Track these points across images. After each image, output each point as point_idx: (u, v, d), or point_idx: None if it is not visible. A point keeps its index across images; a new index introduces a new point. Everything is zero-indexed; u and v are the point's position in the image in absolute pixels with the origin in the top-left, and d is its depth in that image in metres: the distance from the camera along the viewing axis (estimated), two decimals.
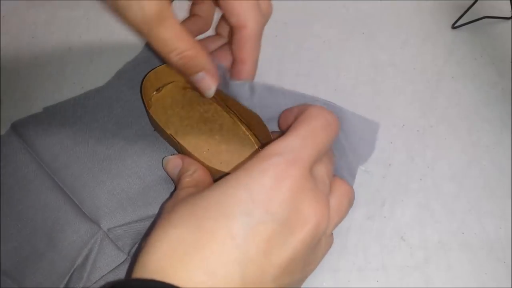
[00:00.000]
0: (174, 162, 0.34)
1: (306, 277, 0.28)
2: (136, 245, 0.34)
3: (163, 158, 0.35)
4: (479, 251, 0.34)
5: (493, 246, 0.35)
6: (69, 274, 0.32)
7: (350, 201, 0.29)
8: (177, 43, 0.28)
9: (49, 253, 0.33)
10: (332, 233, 0.29)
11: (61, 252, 0.33)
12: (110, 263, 0.33)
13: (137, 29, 0.28)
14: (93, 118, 0.38)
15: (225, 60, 0.33)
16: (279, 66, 0.36)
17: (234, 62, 0.32)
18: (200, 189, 0.26)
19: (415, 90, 0.42)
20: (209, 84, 0.31)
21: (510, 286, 0.33)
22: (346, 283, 0.33)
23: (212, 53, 0.35)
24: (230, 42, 0.32)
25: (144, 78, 0.35)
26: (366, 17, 0.46)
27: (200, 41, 0.35)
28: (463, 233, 0.35)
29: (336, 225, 0.28)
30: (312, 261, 0.27)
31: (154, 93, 0.36)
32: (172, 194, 0.34)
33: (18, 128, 0.37)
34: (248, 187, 0.23)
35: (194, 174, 0.31)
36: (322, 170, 0.27)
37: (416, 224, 0.35)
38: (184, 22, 0.36)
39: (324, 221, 0.25)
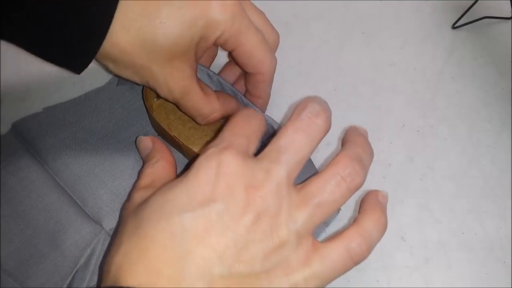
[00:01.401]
0: (145, 143, 0.34)
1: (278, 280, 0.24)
2: None
3: (136, 137, 0.35)
4: (479, 251, 0.35)
5: (493, 246, 0.35)
6: (72, 274, 0.32)
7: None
8: (201, 110, 0.32)
9: (52, 254, 0.33)
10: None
11: (64, 252, 0.33)
12: None
13: (168, 100, 0.32)
14: (93, 118, 0.38)
15: (242, 89, 0.37)
16: (279, 66, 0.36)
17: (248, 95, 0.35)
18: (154, 189, 0.26)
19: (415, 90, 0.42)
20: None
21: (510, 286, 0.33)
22: (346, 283, 0.33)
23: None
24: (244, 76, 0.35)
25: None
26: (366, 17, 0.46)
27: (221, 94, 0.36)
28: (463, 233, 0.35)
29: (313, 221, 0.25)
30: (278, 257, 0.24)
31: (155, 99, 0.37)
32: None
33: (18, 128, 0.37)
34: (186, 185, 0.24)
35: (156, 164, 0.31)
36: (269, 149, 0.26)
37: (416, 224, 0.36)
38: None
39: (263, 207, 0.23)
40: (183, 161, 0.37)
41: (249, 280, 0.23)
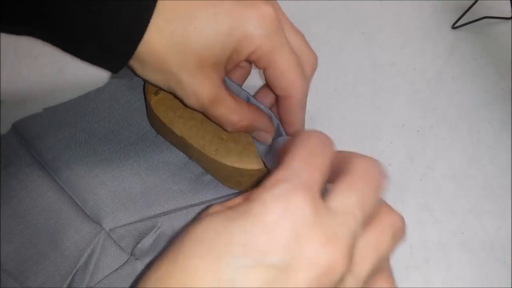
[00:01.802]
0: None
1: None
2: (138, 245, 0.34)
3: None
4: (479, 251, 0.35)
5: (493, 246, 0.35)
6: (72, 274, 0.32)
7: (395, 235, 0.24)
8: (230, 117, 0.30)
9: (52, 254, 0.33)
10: (387, 276, 0.25)
11: (64, 252, 0.33)
12: (113, 263, 0.33)
13: (195, 109, 0.30)
14: (93, 118, 0.38)
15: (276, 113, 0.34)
16: None
17: (281, 122, 0.33)
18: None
19: (415, 90, 0.42)
20: (265, 138, 0.33)
21: (510, 286, 0.33)
22: None
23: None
24: (276, 101, 0.33)
25: (144, 82, 0.35)
26: (366, 17, 0.46)
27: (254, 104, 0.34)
28: (463, 233, 0.35)
29: (373, 268, 0.23)
30: None
31: (153, 95, 0.36)
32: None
33: (18, 128, 0.37)
34: (249, 223, 0.20)
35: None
36: (344, 200, 0.22)
37: (416, 224, 0.36)
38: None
39: (338, 265, 0.20)
40: (183, 160, 0.37)
41: None
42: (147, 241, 0.34)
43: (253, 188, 0.21)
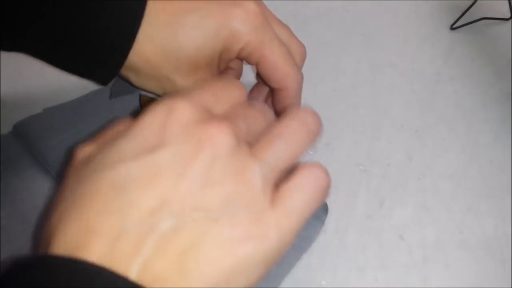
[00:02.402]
0: None
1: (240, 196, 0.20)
2: None
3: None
4: (478, 250, 0.35)
5: (492, 246, 0.35)
6: None
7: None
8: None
9: None
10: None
11: None
12: None
13: None
14: (94, 119, 0.38)
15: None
16: None
17: (277, 114, 0.33)
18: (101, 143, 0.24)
19: (414, 90, 0.42)
20: None
21: (510, 286, 0.33)
22: (345, 282, 0.34)
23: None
24: (272, 96, 0.34)
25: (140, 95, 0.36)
26: (365, 18, 0.46)
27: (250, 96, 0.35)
28: (461, 232, 0.35)
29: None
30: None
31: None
32: None
33: (19, 129, 0.37)
34: (132, 133, 0.21)
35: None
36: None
37: (414, 224, 0.36)
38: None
39: (231, 145, 0.20)
40: None
41: (207, 226, 0.19)
42: None
43: None
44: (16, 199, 0.34)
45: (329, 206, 0.35)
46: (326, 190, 0.22)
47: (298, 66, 0.32)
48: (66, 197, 0.20)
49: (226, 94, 0.24)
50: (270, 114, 0.25)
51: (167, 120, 0.20)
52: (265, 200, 0.20)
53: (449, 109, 0.41)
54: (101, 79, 0.30)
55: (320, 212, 0.35)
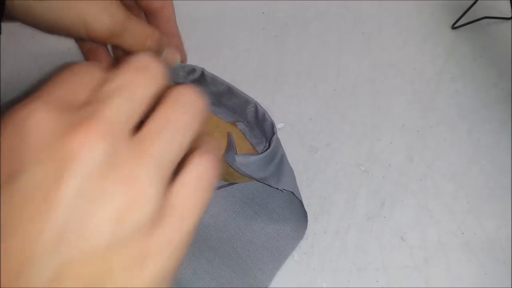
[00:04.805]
0: None
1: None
2: None
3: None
4: (479, 251, 0.35)
5: (493, 246, 0.35)
6: None
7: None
8: (145, 31, 0.31)
9: None
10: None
11: None
12: None
13: (107, 35, 0.29)
14: None
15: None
16: (279, 66, 0.36)
17: (167, 37, 0.34)
18: None
19: (415, 90, 0.42)
20: (174, 56, 0.34)
21: (510, 286, 0.33)
22: (346, 283, 0.33)
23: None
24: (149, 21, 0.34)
25: None
26: (366, 17, 0.46)
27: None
28: (462, 233, 0.35)
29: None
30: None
31: None
32: None
33: None
34: None
35: None
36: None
37: (415, 224, 0.36)
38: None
39: (106, 153, 0.16)
40: None
41: (103, 257, 0.16)
42: None
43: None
44: None
45: (329, 207, 0.35)
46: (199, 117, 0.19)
47: None
48: None
49: (85, 76, 0.19)
50: (154, 64, 0.19)
51: (23, 134, 0.17)
52: (157, 216, 0.17)
53: (451, 109, 0.41)
54: None
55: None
